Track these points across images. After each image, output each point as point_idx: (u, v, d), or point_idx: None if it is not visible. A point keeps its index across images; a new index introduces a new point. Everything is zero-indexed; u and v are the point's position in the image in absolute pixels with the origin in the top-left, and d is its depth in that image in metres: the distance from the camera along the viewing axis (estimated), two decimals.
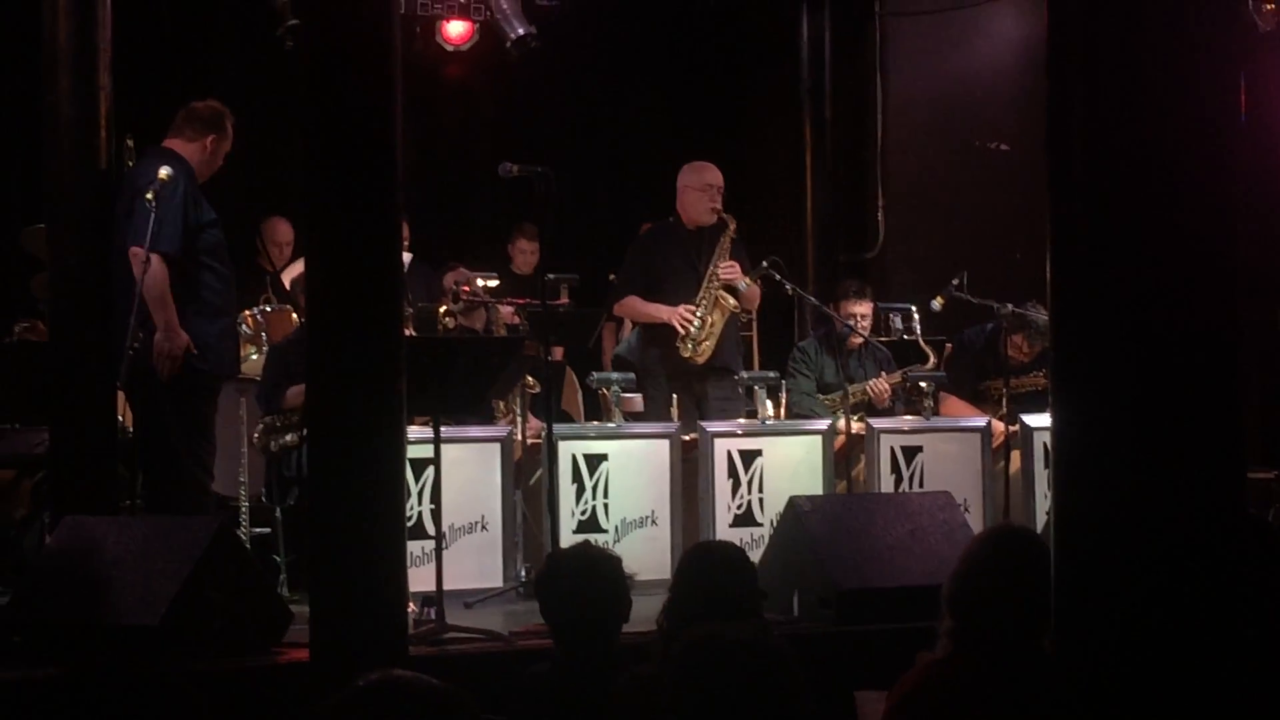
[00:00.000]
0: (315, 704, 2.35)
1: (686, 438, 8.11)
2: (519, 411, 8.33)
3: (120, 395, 7.21)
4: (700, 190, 8.78)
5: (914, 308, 9.94)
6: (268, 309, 9.01)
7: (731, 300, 8.69)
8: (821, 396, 9.14)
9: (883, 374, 9.09)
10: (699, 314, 8.61)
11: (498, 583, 7.54)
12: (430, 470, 7.04)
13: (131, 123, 7.54)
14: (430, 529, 7.10)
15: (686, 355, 8.63)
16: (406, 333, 6.95)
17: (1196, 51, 3.37)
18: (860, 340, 9.16)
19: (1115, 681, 3.29)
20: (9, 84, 9.21)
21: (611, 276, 9.59)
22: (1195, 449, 3.31)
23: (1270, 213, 10.46)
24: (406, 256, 9.02)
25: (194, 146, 7.30)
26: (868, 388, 9.04)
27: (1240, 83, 3.49)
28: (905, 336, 10.28)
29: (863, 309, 9.23)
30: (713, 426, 8.14)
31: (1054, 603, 3.43)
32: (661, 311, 8.68)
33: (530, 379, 8.40)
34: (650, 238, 9.09)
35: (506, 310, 9.07)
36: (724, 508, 7.99)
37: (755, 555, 6.94)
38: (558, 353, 9.59)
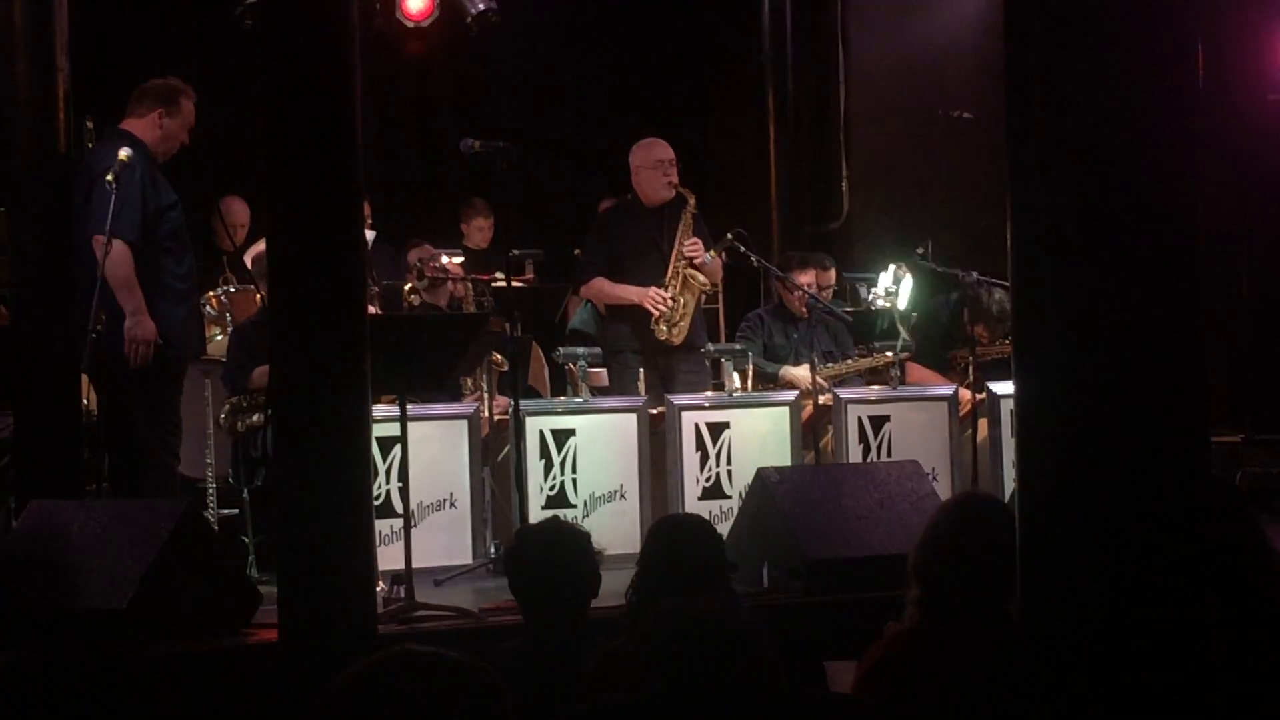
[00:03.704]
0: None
1: (654, 411, 8.11)
2: (486, 388, 8.32)
3: (84, 379, 7.18)
4: (653, 168, 8.74)
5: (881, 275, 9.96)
6: (231, 289, 8.97)
7: (700, 278, 8.68)
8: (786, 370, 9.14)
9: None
10: (669, 295, 8.59)
11: (467, 560, 7.53)
12: (397, 448, 7.02)
13: (90, 104, 7.49)
14: (398, 507, 7.08)
15: (663, 338, 8.61)
16: (371, 310, 6.93)
17: (1154, 17, 3.37)
18: (805, 309, 9.15)
19: (1080, 648, 3.30)
20: None
21: (576, 252, 9.57)
22: (1159, 414, 3.32)
23: (1231, 177, 10.50)
24: (370, 234, 8.99)
25: (144, 124, 7.26)
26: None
27: (1198, 47, 3.50)
28: (874, 306, 10.30)
29: (807, 277, 9.23)
30: (680, 399, 8.13)
31: (1019, 569, 3.44)
32: (631, 293, 8.65)
33: (497, 355, 8.38)
34: (610, 217, 9.06)
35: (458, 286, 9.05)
36: (692, 481, 7.99)
37: (725, 528, 6.95)
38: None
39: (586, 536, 4.84)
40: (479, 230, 11.09)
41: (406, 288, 8.72)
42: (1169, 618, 3.26)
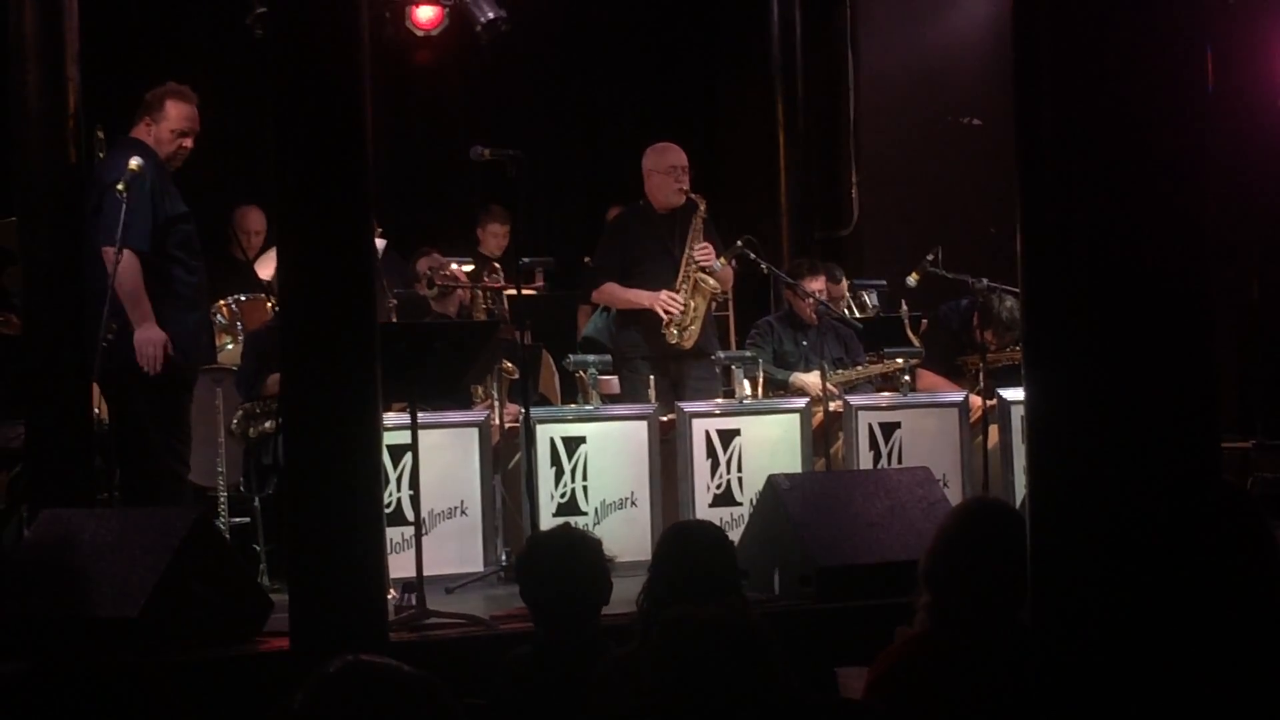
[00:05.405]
0: (285, 697, 2.32)
1: (664, 419, 8.11)
2: (496, 396, 8.32)
3: (96, 388, 7.19)
4: (665, 173, 8.75)
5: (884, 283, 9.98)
6: (242, 298, 8.98)
7: (711, 281, 8.68)
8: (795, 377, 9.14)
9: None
10: (681, 299, 8.60)
11: (478, 567, 7.54)
12: (408, 456, 7.03)
13: (101, 114, 7.50)
14: (409, 515, 7.09)
15: (674, 342, 8.61)
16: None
17: (1164, 23, 3.38)
18: (815, 317, 9.14)
19: (1090, 652, 3.29)
20: None
21: (586, 259, 9.57)
22: (1170, 419, 3.32)
23: (1242, 182, 10.49)
24: (380, 243, 9.00)
25: (141, 131, 7.28)
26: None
27: (1208, 53, 3.50)
28: (881, 314, 10.30)
29: (817, 285, 9.22)
30: (690, 407, 8.13)
31: (1030, 575, 3.44)
32: (643, 298, 8.66)
33: (507, 363, 8.39)
34: (621, 223, 9.06)
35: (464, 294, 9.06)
36: (703, 488, 7.99)
37: (735, 534, 6.95)
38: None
39: (598, 543, 4.84)
40: (494, 236, 11.09)
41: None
42: (1180, 623, 3.26)
